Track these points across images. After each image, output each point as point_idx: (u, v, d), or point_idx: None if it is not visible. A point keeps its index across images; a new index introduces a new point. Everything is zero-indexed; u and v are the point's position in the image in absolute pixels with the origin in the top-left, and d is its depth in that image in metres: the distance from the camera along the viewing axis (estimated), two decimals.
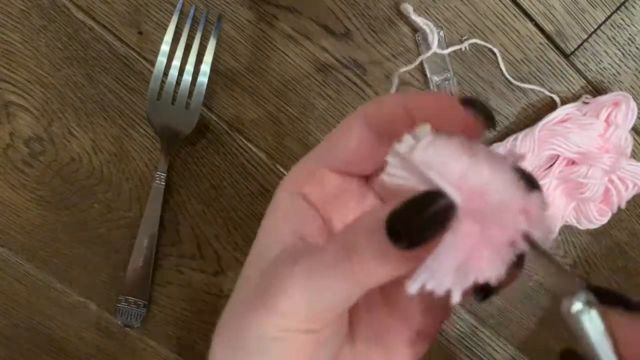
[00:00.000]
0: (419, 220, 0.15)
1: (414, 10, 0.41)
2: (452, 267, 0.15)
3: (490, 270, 0.15)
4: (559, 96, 0.43)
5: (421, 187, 0.16)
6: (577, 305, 0.16)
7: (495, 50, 0.42)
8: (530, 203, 0.15)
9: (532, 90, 0.43)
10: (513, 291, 0.47)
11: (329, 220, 0.22)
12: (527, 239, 0.15)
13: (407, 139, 0.17)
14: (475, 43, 0.42)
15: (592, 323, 0.16)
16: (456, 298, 0.15)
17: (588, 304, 0.15)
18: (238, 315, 0.20)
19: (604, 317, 0.16)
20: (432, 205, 0.15)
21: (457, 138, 0.16)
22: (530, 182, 0.16)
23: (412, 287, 0.15)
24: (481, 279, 0.15)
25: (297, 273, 0.18)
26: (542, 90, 0.43)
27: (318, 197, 0.21)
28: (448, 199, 0.15)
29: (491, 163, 0.16)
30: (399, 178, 0.17)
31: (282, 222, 0.21)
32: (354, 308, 0.22)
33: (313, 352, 0.19)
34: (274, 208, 0.22)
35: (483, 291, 0.18)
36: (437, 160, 0.16)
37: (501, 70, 0.43)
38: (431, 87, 0.43)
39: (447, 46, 0.42)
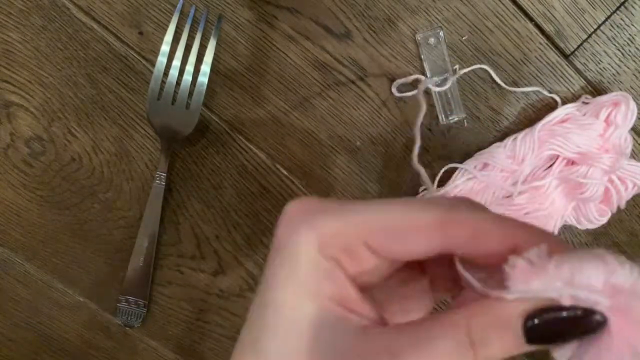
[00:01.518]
0: (563, 327, 0.16)
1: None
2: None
3: None
4: (559, 96, 0.43)
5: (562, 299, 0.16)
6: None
7: (486, 67, 0.42)
8: None
9: (532, 90, 0.43)
10: None
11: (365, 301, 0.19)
12: None
13: (530, 255, 0.17)
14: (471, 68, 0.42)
15: None
16: None
17: None
18: None
19: None
20: (584, 318, 0.16)
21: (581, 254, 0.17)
22: None
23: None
24: None
25: None
26: (541, 90, 0.43)
27: (354, 270, 0.19)
28: (600, 314, 0.16)
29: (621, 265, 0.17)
30: (525, 293, 0.17)
31: (303, 284, 0.18)
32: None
33: None
34: (292, 263, 0.18)
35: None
36: (579, 274, 0.16)
37: (498, 80, 0.43)
38: (431, 87, 0.43)
39: (447, 46, 0.42)
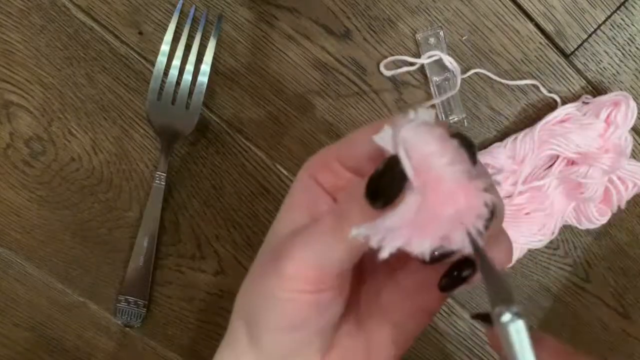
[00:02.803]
0: (384, 182, 0.19)
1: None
2: (390, 226, 0.18)
3: (427, 241, 0.18)
4: (559, 96, 0.43)
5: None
6: (506, 316, 0.16)
7: (483, 70, 0.42)
8: (475, 196, 0.18)
9: (532, 90, 0.43)
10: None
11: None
12: (469, 236, 0.18)
13: (410, 115, 0.19)
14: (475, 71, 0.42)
15: (518, 335, 0.16)
16: (383, 254, 0.18)
17: (517, 315, 0.16)
18: (253, 281, 0.24)
19: (531, 331, 0.17)
20: (393, 170, 0.18)
21: (440, 129, 0.19)
22: (484, 176, 0.19)
23: (353, 231, 0.19)
24: (416, 248, 0.18)
25: (301, 241, 0.21)
26: (539, 85, 0.43)
27: (330, 185, 0.24)
28: (401, 167, 0.18)
29: (455, 155, 0.18)
30: (385, 143, 0.19)
31: (296, 204, 0.24)
32: (361, 285, 0.25)
33: (316, 312, 0.22)
34: (290, 192, 0.24)
35: (449, 279, 0.22)
36: (414, 141, 0.18)
37: (499, 74, 0.43)
38: (431, 87, 0.43)
39: (447, 46, 0.42)
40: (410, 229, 0.18)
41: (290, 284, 0.21)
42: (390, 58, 0.42)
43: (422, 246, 0.18)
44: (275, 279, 0.22)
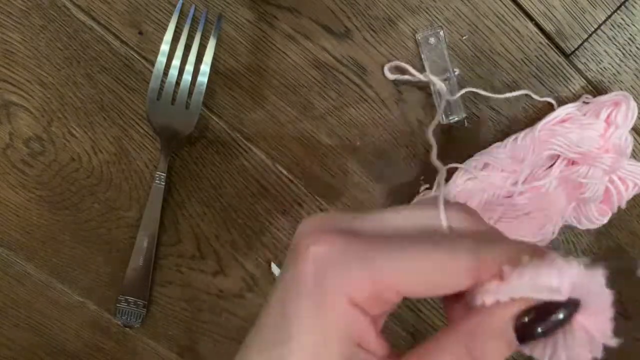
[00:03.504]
0: (545, 324, 0.18)
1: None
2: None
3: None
4: (559, 96, 0.43)
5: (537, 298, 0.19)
6: None
7: (476, 90, 0.43)
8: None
9: (532, 90, 0.43)
10: None
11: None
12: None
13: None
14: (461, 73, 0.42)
15: None
16: None
17: None
18: None
19: None
20: (556, 312, 0.18)
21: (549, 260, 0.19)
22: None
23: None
24: None
25: None
26: (531, 94, 0.43)
27: (377, 313, 0.20)
28: (570, 308, 0.18)
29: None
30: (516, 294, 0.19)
31: (339, 329, 0.19)
32: None
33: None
34: (323, 309, 0.19)
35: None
36: (537, 278, 0.19)
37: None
38: (431, 87, 0.43)
39: (447, 46, 0.42)
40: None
41: None
42: (394, 63, 0.42)
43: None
44: None
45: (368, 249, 0.19)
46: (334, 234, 0.20)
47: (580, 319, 0.19)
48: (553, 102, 0.43)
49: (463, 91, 0.42)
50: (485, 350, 0.18)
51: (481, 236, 0.21)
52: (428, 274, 0.19)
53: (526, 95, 0.43)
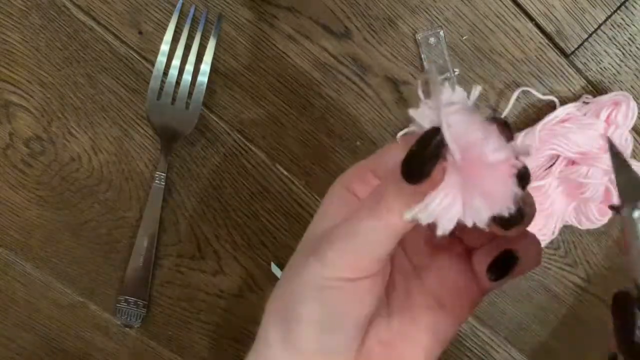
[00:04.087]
0: (421, 156, 0.18)
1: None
2: (442, 203, 0.18)
3: (481, 208, 0.18)
4: (559, 96, 0.43)
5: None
6: (637, 213, 0.18)
7: (478, 88, 0.43)
8: (514, 164, 0.18)
9: (532, 90, 0.43)
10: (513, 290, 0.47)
11: None
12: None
13: (444, 92, 0.19)
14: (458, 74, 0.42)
15: None
16: (440, 231, 0.18)
17: None
18: (289, 279, 0.24)
19: None
20: (431, 141, 0.18)
21: (480, 116, 0.19)
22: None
23: (406, 215, 0.19)
24: (472, 217, 0.18)
25: (340, 229, 0.22)
26: (532, 91, 0.43)
27: (364, 193, 0.24)
28: (438, 141, 0.18)
29: (496, 141, 0.18)
30: (424, 118, 0.19)
31: (330, 211, 0.25)
32: (390, 288, 0.25)
33: (354, 302, 0.22)
34: (327, 199, 0.25)
35: (499, 266, 0.23)
36: (457, 124, 0.18)
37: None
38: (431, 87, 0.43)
39: (447, 46, 0.42)
40: (461, 202, 0.18)
41: (331, 271, 0.22)
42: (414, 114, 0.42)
43: (478, 214, 0.18)
44: (315, 268, 0.22)
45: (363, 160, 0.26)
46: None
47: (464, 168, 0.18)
48: (555, 99, 0.43)
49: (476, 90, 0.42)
50: (384, 194, 0.20)
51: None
52: (380, 157, 0.25)
53: (526, 95, 0.43)
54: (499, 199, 0.18)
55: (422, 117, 0.19)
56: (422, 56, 0.42)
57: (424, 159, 0.18)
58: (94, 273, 0.44)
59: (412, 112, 0.20)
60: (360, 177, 0.25)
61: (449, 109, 0.18)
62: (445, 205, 0.18)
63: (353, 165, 0.26)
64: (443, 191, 0.18)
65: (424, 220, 0.18)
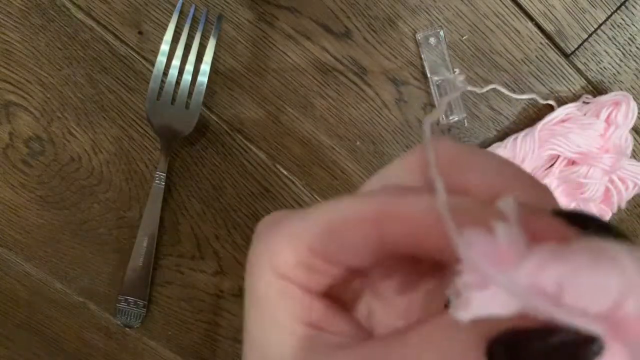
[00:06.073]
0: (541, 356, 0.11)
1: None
2: None
3: None
4: (559, 96, 0.43)
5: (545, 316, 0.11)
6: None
7: (497, 86, 0.43)
8: None
9: (532, 90, 0.43)
10: None
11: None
12: None
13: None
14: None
15: None
16: None
17: None
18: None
19: None
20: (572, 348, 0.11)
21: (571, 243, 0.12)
22: None
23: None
24: None
25: None
26: (537, 98, 0.43)
27: (313, 283, 0.16)
28: (598, 343, 0.11)
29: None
30: (487, 303, 0.12)
31: (278, 321, 0.16)
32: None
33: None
34: (263, 302, 0.16)
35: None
36: (575, 284, 0.11)
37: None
38: (431, 87, 0.43)
39: (448, 46, 0.42)
40: None
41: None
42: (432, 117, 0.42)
43: None
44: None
45: (293, 214, 0.17)
46: (277, 213, 0.17)
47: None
48: (553, 103, 0.43)
49: (490, 87, 0.42)
50: None
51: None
52: (331, 221, 0.15)
53: (527, 94, 0.43)
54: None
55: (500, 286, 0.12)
56: (422, 56, 0.42)
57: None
58: (94, 273, 0.44)
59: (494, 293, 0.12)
60: (297, 258, 0.16)
61: (535, 258, 0.11)
62: None
63: (277, 229, 0.16)
64: None
65: None
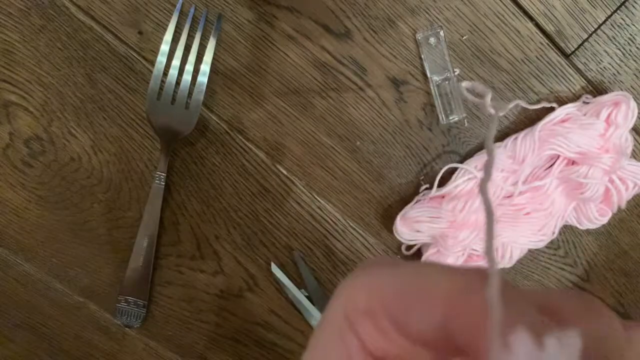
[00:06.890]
0: None
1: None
2: None
3: None
4: (559, 96, 0.43)
5: None
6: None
7: (520, 102, 0.43)
8: None
9: (532, 90, 0.43)
10: None
11: None
12: None
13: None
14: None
15: None
16: None
17: None
18: None
19: None
20: None
21: None
22: None
23: None
24: None
25: None
26: (555, 105, 0.43)
27: (374, 345, 0.17)
28: None
29: None
30: None
31: (330, 345, 0.17)
32: None
33: None
34: (321, 334, 0.17)
35: None
36: None
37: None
38: (431, 87, 0.43)
39: (447, 46, 0.42)
40: None
41: None
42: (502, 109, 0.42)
43: None
44: None
45: (375, 268, 0.17)
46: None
47: None
48: (554, 104, 0.43)
49: (514, 103, 0.42)
50: None
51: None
52: (404, 284, 0.16)
53: (526, 94, 0.43)
54: None
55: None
56: (422, 56, 0.42)
57: None
58: (94, 273, 0.44)
59: None
60: (371, 315, 0.16)
61: None
62: None
63: (361, 279, 0.17)
64: None
65: None
